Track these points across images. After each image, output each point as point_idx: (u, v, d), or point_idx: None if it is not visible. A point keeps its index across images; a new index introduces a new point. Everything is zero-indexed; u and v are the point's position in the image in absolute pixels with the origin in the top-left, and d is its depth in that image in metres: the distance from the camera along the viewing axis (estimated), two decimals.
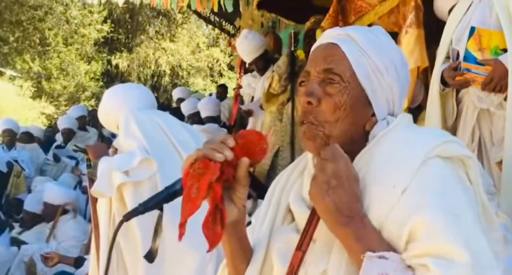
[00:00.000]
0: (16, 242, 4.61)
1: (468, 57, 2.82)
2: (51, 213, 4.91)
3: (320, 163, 1.07)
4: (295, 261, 1.09)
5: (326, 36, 1.20)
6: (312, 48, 1.22)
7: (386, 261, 0.97)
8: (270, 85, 4.68)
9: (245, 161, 1.08)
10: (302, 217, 1.14)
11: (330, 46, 1.16)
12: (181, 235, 1.05)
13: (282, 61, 4.67)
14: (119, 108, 2.59)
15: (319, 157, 1.12)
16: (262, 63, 5.33)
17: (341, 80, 1.12)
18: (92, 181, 2.54)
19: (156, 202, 1.12)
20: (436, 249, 0.95)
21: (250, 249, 1.21)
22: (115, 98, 2.64)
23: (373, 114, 1.15)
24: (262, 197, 1.30)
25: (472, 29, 2.80)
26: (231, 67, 18.19)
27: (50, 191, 4.99)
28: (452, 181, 1.04)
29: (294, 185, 1.22)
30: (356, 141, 1.14)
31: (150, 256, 1.17)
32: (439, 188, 1.01)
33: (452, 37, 2.95)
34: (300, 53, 4.70)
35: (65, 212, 4.97)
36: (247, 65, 6.21)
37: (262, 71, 5.41)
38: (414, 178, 1.01)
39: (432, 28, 3.17)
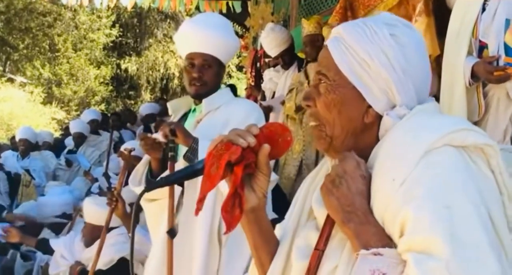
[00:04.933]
0: (26, 257, 4.57)
1: (509, 51, 2.65)
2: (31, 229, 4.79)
3: (333, 167, 1.12)
4: (313, 260, 1.10)
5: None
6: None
7: (380, 257, 0.96)
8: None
9: (266, 147, 1.12)
10: (320, 215, 1.17)
11: (324, 48, 1.20)
12: (198, 210, 1.09)
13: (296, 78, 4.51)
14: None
15: (329, 157, 1.19)
16: (288, 58, 5.14)
17: (327, 79, 1.16)
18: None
19: (178, 177, 1.20)
20: (418, 243, 0.93)
21: (275, 243, 1.24)
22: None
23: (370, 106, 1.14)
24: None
25: (508, 22, 2.64)
26: (239, 68, 18.20)
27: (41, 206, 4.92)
28: (458, 170, 0.99)
29: (318, 186, 1.22)
30: (360, 135, 1.14)
31: (173, 232, 1.30)
32: (436, 179, 0.97)
33: (478, 29, 2.74)
34: None
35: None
36: (260, 63, 6.11)
37: (287, 66, 5.20)
38: (413, 169, 0.99)
39: (445, 17, 3.07)
